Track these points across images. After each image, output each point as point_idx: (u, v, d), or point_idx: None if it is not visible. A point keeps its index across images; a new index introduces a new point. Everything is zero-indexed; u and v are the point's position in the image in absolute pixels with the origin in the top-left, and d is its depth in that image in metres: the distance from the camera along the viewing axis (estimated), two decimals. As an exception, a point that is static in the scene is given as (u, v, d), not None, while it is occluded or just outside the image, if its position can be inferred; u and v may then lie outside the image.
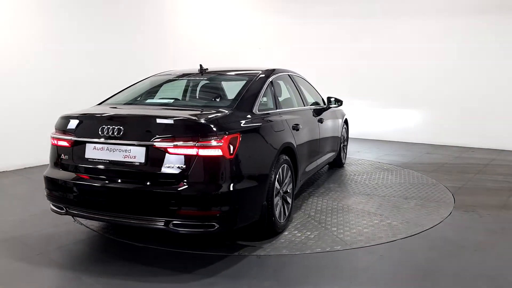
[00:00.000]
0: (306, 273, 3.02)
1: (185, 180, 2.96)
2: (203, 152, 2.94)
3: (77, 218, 4.22)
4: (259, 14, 11.15)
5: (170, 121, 3.13)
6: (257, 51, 10.80)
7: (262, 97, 3.90)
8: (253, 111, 3.60)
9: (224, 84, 4.53)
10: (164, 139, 2.99)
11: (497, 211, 4.49)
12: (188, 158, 2.95)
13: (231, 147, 3.03)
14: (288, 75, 4.95)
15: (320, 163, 5.28)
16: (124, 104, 3.98)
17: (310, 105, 5.19)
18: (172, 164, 2.98)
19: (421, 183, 5.71)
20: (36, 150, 6.86)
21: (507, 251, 3.46)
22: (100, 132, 3.16)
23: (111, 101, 4.08)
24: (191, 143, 2.93)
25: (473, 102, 9.07)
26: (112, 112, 3.57)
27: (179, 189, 2.95)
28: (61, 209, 3.40)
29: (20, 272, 3.09)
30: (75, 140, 3.32)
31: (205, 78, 4.47)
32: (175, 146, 2.96)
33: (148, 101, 4.21)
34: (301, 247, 3.48)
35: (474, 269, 3.10)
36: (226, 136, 3.00)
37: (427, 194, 5.15)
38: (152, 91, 4.36)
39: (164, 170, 3.00)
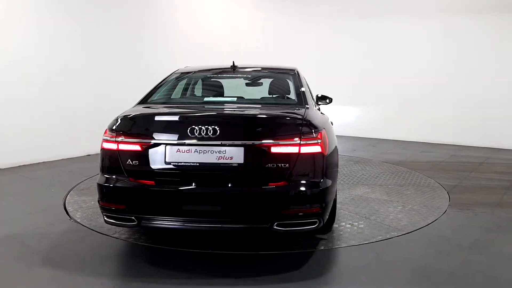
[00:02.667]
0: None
1: (288, 179, 2.89)
2: (304, 149, 2.89)
3: (73, 216, 4.21)
4: (258, 12, 11.13)
5: (272, 120, 3.09)
6: (254, 49, 10.78)
7: None
8: (316, 107, 3.62)
9: (270, 81, 4.38)
10: (265, 138, 2.90)
11: (492, 209, 4.51)
12: (290, 156, 2.88)
13: (325, 143, 3.02)
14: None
15: None
16: (183, 103, 3.87)
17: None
18: (274, 163, 2.88)
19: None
20: (31, 148, 6.85)
21: (502, 248, 3.47)
22: (190, 133, 2.89)
23: (158, 100, 3.82)
24: (294, 141, 2.88)
25: (469, 101, 9.11)
26: (202, 112, 3.41)
27: (284, 188, 2.88)
28: (131, 221, 3.00)
29: (16, 271, 3.08)
30: (152, 143, 2.97)
31: (248, 76, 4.37)
32: (278, 145, 2.88)
33: (209, 99, 4.02)
34: (363, 237, 3.67)
35: (470, 267, 3.12)
36: (320, 132, 2.99)
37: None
38: (197, 89, 4.21)
39: (266, 170, 2.89)
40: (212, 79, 4.51)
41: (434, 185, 5.50)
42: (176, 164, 2.92)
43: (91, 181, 5.66)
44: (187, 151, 2.90)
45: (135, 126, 3.13)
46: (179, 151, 2.91)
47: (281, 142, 2.88)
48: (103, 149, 3.13)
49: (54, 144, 7.16)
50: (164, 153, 2.93)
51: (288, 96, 3.98)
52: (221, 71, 4.39)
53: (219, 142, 2.87)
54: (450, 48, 9.29)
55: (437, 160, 7.35)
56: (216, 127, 2.88)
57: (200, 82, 4.39)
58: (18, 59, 6.64)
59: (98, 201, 3.13)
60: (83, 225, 3.97)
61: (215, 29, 10.17)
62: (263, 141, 2.88)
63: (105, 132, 3.14)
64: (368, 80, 10.52)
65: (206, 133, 2.87)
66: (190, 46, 9.66)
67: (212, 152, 2.89)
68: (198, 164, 2.90)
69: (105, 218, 3.12)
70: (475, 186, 5.52)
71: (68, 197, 4.82)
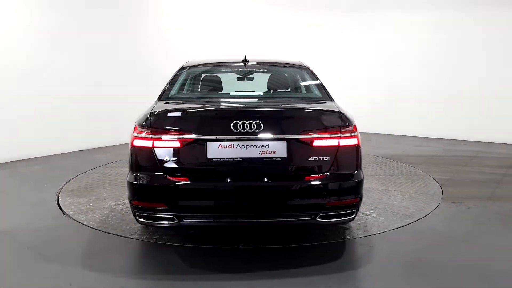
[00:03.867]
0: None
1: (329, 172, 2.96)
2: (344, 142, 2.97)
3: (66, 212, 4.20)
4: (246, 4, 11.09)
5: (314, 113, 3.14)
6: (248, 43, 10.75)
7: None
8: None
9: (285, 75, 4.39)
10: (308, 132, 2.94)
11: (484, 202, 4.55)
12: (331, 149, 2.95)
13: (359, 136, 3.09)
14: None
15: None
16: (208, 98, 3.78)
17: None
18: (316, 156, 2.93)
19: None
20: (24, 144, 6.80)
21: (493, 241, 3.51)
22: (233, 128, 2.86)
23: (180, 96, 3.76)
24: (335, 134, 2.96)
25: (462, 95, 9.14)
26: (245, 106, 3.36)
27: (327, 180, 2.94)
28: (170, 220, 2.92)
29: (8, 266, 3.07)
30: (192, 139, 2.90)
31: (264, 70, 4.37)
32: (320, 138, 2.94)
33: (234, 94, 3.98)
34: (380, 225, 3.82)
35: (461, 259, 3.15)
36: (355, 125, 3.08)
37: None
38: (216, 83, 4.14)
39: (308, 163, 2.94)
40: (228, 73, 4.46)
41: (425, 177, 5.53)
42: (218, 159, 2.89)
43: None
44: (229, 147, 2.88)
45: (173, 122, 3.02)
46: (221, 147, 2.88)
47: (323, 136, 2.95)
48: (135, 147, 2.99)
49: (46, 140, 7.12)
50: (205, 149, 2.88)
51: (310, 90, 4.00)
52: (234, 65, 4.33)
53: (262, 137, 2.88)
54: (442, 42, 9.31)
55: (429, 154, 7.40)
56: (259, 121, 2.87)
57: (216, 76, 4.31)
58: (10, 53, 6.58)
59: (130, 201, 3.03)
60: (77, 221, 3.95)
61: (208, 24, 10.12)
62: (305, 135, 2.93)
63: (135, 129, 3.02)
64: (360, 75, 10.53)
65: (250, 128, 2.86)
66: (184, 41, 9.62)
67: (255, 147, 2.89)
68: (241, 159, 2.89)
69: (138, 218, 3.02)
70: (467, 180, 5.56)
71: (61, 192, 4.80)
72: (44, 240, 3.52)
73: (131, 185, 3.00)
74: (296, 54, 10.60)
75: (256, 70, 4.34)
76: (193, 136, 2.89)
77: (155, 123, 2.95)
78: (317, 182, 2.93)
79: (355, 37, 10.55)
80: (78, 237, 3.62)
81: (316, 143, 2.93)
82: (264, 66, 4.40)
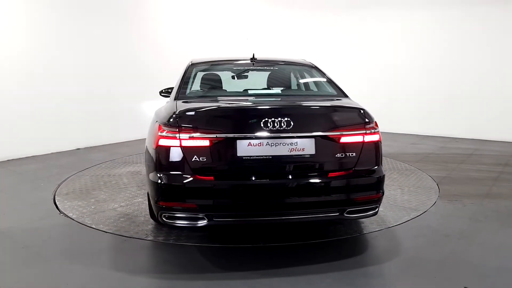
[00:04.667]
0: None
1: (355, 167, 3.01)
2: (368, 138, 3.04)
3: (62, 210, 4.18)
4: (246, 3, 11.07)
5: (341, 111, 3.17)
6: (244, 41, 10.73)
7: None
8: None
9: (296, 73, 4.39)
10: (335, 129, 3.00)
11: (481, 200, 4.57)
12: (356, 146, 3.01)
13: (380, 132, 3.15)
14: None
15: None
16: (228, 95, 3.73)
17: None
18: (342, 152, 2.99)
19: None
20: (20, 142, 6.78)
21: (490, 239, 3.52)
22: (263, 126, 2.86)
23: (197, 94, 3.72)
24: (360, 131, 3.02)
25: (458, 93, 9.17)
26: (275, 104, 3.36)
27: (353, 176, 3.01)
28: (200, 220, 2.88)
29: (5, 265, 3.05)
30: (221, 138, 2.86)
31: (275, 68, 4.37)
32: (347, 135, 2.99)
33: (253, 92, 3.94)
34: (390, 219, 3.91)
35: (458, 257, 3.16)
36: (376, 122, 3.15)
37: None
38: (230, 81, 4.14)
39: (336, 159, 2.99)
40: (241, 71, 4.44)
41: (422, 175, 5.55)
42: (248, 158, 2.88)
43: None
44: (259, 145, 2.88)
45: (202, 120, 2.95)
46: (251, 145, 2.87)
47: (349, 132, 3.00)
48: (161, 147, 2.89)
49: (43, 138, 7.09)
50: (235, 148, 2.86)
51: (324, 87, 4.01)
52: (244, 63, 4.31)
53: (291, 134, 2.89)
54: (440, 40, 9.32)
55: (426, 152, 7.41)
56: (289, 119, 2.88)
57: (229, 74, 4.29)
58: (7, 52, 6.55)
59: (155, 201, 2.96)
60: (73, 220, 3.94)
61: (206, 24, 10.10)
62: (333, 132, 2.98)
63: (160, 129, 2.93)
64: (357, 73, 10.53)
65: (280, 126, 2.87)
66: (182, 41, 9.60)
67: (284, 144, 2.89)
68: (271, 157, 2.89)
69: (163, 218, 2.95)
70: (464, 178, 5.58)
71: (56, 195, 4.78)
72: (42, 239, 3.50)
73: (156, 186, 2.92)
74: (295, 53, 10.60)
75: (267, 68, 4.35)
76: (222, 135, 2.86)
77: (183, 122, 2.88)
78: (345, 178, 3.00)
79: (354, 36, 10.55)
80: (76, 236, 3.62)
81: (343, 139, 2.99)
82: (273, 64, 4.40)
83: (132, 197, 4.60)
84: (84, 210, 4.19)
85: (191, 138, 2.84)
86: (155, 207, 3.01)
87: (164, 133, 2.89)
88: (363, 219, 3.87)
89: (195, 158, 2.84)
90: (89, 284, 2.77)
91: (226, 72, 4.30)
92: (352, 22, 10.53)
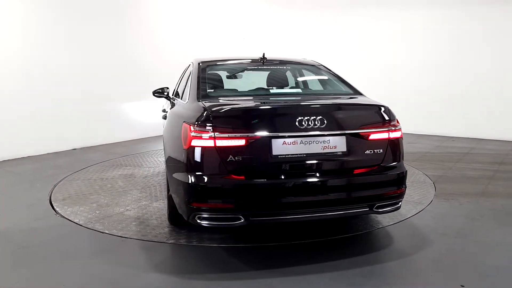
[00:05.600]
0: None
1: (382, 163, 3.11)
2: (392, 135, 3.16)
3: (59, 211, 4.17)
4: (244, 3, 11.07)
5: (370, 109, 3.24)
6: (241, 41, 10.73)
7: None
8: None
9: (311, 73, 4.42)
10: (364, 126, 3.07)
11: (477, 198, 4.59)
12: (383, 142, 3.12)
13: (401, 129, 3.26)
14: None
15: None
16: (252, 95, 3.72)
17: None
18: (371, 149, 3.07)
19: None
20: (16, 143, 6.75)
21: (486, 237, 3.54)
22: (298, 124, 2.89)
23: (219, 94, 3.66)
24: (386, 128, 3.13)
25: (454, 92, 9.20)
26: (308, 103, 3.36)
27: (382, 172, 3.10)
28: (237, 220, 2.86)
29: (3, 266, 3.04)
30: (257, 137, 2.86)
31: (288, 68, 4.44)
32: (375, 132, 3.08)
33: (275, 91, 4.00)
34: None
35: (455, 255, 3.17)
36: (397, 119, 3.25)
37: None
38: (249, 81, 4.13)
39: (365, 156, 3.07)
40: (257, 71, 4.42)
41: (419, 174, 5.57)
42: (284, 156, 2.90)
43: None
44: (293, 143, 2.90)
45: (236, 120, 2.97)
46: (285, 144, 2.89)
47: (377, 130, 3.10)
48: (194, 147, 2.86)
49: (39, 138, 7.07)
50: (270, 146, 2.87)
51: (340, 86, 4.04)
52: (256, 63, 4.28)
53: (324, 132, 2.94)
54: (436, 40, 9.36)
55: (423, 151, 7.44)
56: (322, 117, 2.93)
57: (245, 73, 4.27)
58: (3, 52, 6.52)
59: (188, 203, 2.90)
60: (70, 220, 3.93)
61: (203, 24, 10.09)
62: (363, 129, 3.06)
63: (191, 129, 2.89)
64: (355, 72, 10.53)
65: (314, 124, 2.91)
66: (179, 41, 9.59)
67: (317, 142, 2.94)
68: (304, 155, 2.93)
69: (197, 220, 2.90)
70: (460, 176, 5.60)
71: (53, 196, 4.76)
72: (39, 240, 3.49)
73: (189, 187, 2.88)
74: (294, 53, 10.61)
75: (280, 68, 4.43)
76: (258, 134, 2.87)
77: (217, 122, 2.85)
78: (374, 174, 3.09)
79: (351, 35, 10.56)
80: (73, 237, 3.60)
81: (372, 137, 3.08)
82: (284, 64, 4.44)
83: (136, 201, 4.50)
84: (89, 215, 4.04)
85: (226, 138, 2.82)
86: (186, 208, 2.95)
87: (197, 134, 2.85)
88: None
89: (231, 158, 2.83)
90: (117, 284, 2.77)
91: (242, 72, 4.29)
92: (350, 21, 10.54)
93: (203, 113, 2.94)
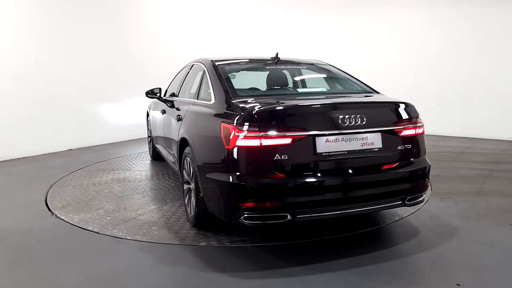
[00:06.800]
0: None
1: (411, 158, 3.28)
2: (418, 131, 3.36)
3: (55, 212, 4.16)
4: (240, 2, 11.06)
5: (399, 106, 3.34)
6: (237, 41, 10.74)
7: None
8: None
9: (325, 73, 4.48)
10: (397, 123, 3.24)
11: (472, 197, 4.61)
12: (412, 138, 3.29)
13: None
14: None
15: None
16: (281, 95, 3.74)
17: None
18: (402, 145, 3.23)
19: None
20: (12, 143, 6.73)
21: (482, 236, 3.56)
22: (341, 122, 2.98)
23: (247, 94, 3.68)
24: (414, 124, 3.32)
25: (449, 92, 9.24)
26: (349, 101, 3.48)
27: (412, 166, 3.25)
28: (283, 218, 2.89)
29: (-2, 268, 3.04)
30: (302, 135, 2.90)
31: (303, 67, 4.55)
32: (406, 128, 3.26)
33: (302, 90, 4.08)
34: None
35: (450, 254, 3.19)
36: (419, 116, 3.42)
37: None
38: (271, 80, 4.14)
39: (397, 151, 3.22)
40: (278, 71, 4.41)
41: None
42: (327, 154, 2.97)
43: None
44: (335, 141, 2.99)
45: (281, 119, 2.95)
46: (328, 141, 2.97)
47: (407, 126, 3.27)
48: (239, 147, 2.87)
49: (35, 139, 7.05)
50: (314, 144, 2.93)
51: (358, 85, 4.16)
52: (272, 63, 4.29)
53: (363, 130, 3.05)
54: (432, 40, 9.39)
55: (418, 151, 7.45)
56: (362, 115, 3.04)
57: (265, 73, 4.24)
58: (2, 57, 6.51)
59: (234, 203, 2.91)
60: (66, 221, 3.92)
61: (201, 24, 10.09)
62: (396, 126, 3.22)
63: (235, 129, 2.88)
64: (351, 71, 10.56)
65: (355, 121, 3.01)
66: (175, 41, 9.58)
67: (356, 139, 3.05)
68: (346, 152, 3.02)
69: (244, 220, 2.90)
70: (455, 176, 5.63)
71: (49, 192, 4.75)
72: (35, 240, 3.49)
73: (235, 187, 2.89)
74: (289, 51, 10.59)
75: (296, 67, 4.54)
76: (303, 133, 2.92)
77: (263, 122, 2.87)
78: (406, 169, 3.23)
79: (346, 34, 10.58)
80: (69, 237, 3.59)
81: (403, 133, 3.24)
82: (299, 64, 4.55)
83: (144, 205, 4.36)
84: (101, 222, 3.88)
85: (272, 137, 2.85)
86: (230, 209, 2.97)
87: (242, 134, 2.86)
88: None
89: (277, 157, 2.85)
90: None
91: (263, 71, 4.28)
92: (346, 20, 10.56)
93: (248, 112, 2.94)
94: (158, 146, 5.82)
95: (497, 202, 4.42)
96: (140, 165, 6.34)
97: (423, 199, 3.45)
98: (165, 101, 5.16)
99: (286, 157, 2.87)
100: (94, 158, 6.72)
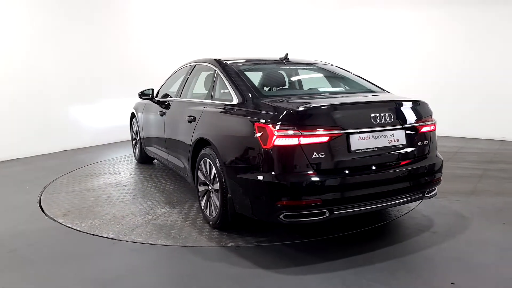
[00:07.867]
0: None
1: (428, 153, 3.48)
2: (433, 127, 3.56)
3: (48, 214, 4.13)
4: (234, 2, 11.06)
5: (421, 104, 3.52)
6: (232, 41, 10.72)
7: None
8: None
9: (336, 73, 4.54)
10: (417, 120, 3.41)
11: (466, 197, 4.63)
12: (428, 134, 3.49)
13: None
14: None
15: None
16: (307, 95, 3.81)
17: None
18: (422, 141, 3.42)
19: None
20: (5, 145, 6.68)
21: (476, 235, 3.58)
22: (373, 120, 3.12)
23: (272, 94, 3.71)
24: (430, 121, 3.52)
25: (442, 91, 9.27)
26: (380, 100, 3.65)
27: (430, 161, 3.46)
28: (321, 214, 2.96)
29: (-9, 270, 3.01)
30: (337, 134, 2.99)
31: (314, 68, 4.61)
32: (425, 125, 3.45)
33: (324, 90, 4.05)
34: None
35: (445, 253, 3.20)
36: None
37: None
38: (291, 80, 4.33)
39: (418, 147, 3.40)
40: (291, 71, 4.53)
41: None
42: (360, 151, 3.09)
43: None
44: (366, 138, 3.12)
45: (319, 118, 3.03)
46: (361, 139, 3.09)
47: (426, 123, 3.47)
48: (278, 146, 2.90)
49: (29, 140, 7.01)
50: (349, 142, 3.04)
51: (369, 84, 4.24)
52: (283, 63, 4.35)
53: (390, 127, 3.22)
54: (424, 39, 9.43)
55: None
56: (391, 113, 3.22)
57: (279, 73, 4.25)
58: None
59: (273, 202, 2.94)
60: (60, 223, 3.90)
61: (198, 24, 10.07)
62: (417, 123, 3.40)
63: (272, 128, 2.92)
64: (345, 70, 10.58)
65: (385, 119, 3.17)
66: (173, 41, 9.55)
67: (384, 136, 3.20)
68: (376, 148, 3.16)
69: (283, 218, 2.93)
70: (450, 175, 5.64)
71: (43, 194, 4.71)
72: (28, 243, 3.46)
73: (276, 186, 2.93)
74: (284, 50, 10.59)
75: (307, 68, 4.68)
76: (339, 131, 3.01)
77: (301, 121, 2.94)
78: (426, 163, 3.42)
79: (342, 33, 10.60)
80: (63, 239, 3.57)
81: (422, 129, 3.43)
82: (309, 64, 4.65)
83: (152, 209, 4.24)
84: (114, 228, 3.73)
85: (310, 135, 2.92)
86: (269, 208, 3.00)
87: (281, 133, 2.89)
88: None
89: (315, 155, 2.93)
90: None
91: (279, 71, 4.28)
92: (342, 20, 10.57)
93: (286, 112, 2.98)
94: (152, 149, 5.60)
95: (491, 202, 4.45)
96: (128, 169, 6.13)
97: (436, 192, 3.60)
98: (161, 102, 5.09)
99: (323, 155, 2.96)
100: (88, 159, 6.69)
